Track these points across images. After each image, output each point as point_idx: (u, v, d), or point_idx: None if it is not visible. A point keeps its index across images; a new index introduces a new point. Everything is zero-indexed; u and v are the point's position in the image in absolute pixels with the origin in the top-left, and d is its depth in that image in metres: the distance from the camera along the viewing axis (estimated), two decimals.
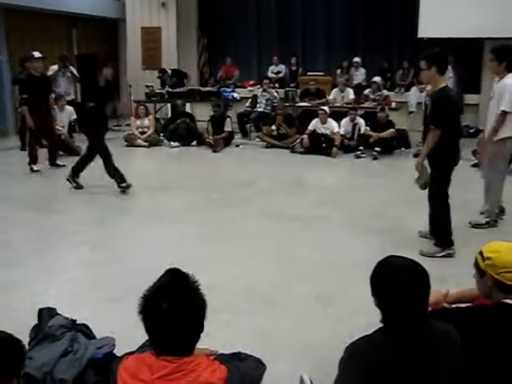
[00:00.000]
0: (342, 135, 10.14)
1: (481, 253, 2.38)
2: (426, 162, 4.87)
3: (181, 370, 1.89)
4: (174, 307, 1.87)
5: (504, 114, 5.32)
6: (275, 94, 11.99)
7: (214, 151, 10.35)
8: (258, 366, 2.36)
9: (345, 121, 10.38)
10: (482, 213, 5.65)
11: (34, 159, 8.44)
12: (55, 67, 10.88)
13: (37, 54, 8.49)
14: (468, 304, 2.66)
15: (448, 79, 8.89)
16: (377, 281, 2.12)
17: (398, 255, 2.18)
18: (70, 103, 10.37)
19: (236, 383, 2.00)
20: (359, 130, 10.17)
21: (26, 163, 8.41)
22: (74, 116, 10.16)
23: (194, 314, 1.93)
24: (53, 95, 8.80)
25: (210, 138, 10.64)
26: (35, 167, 8.40)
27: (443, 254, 4.84)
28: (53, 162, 8.75)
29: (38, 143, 8.64)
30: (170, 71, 13.29)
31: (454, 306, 2.71)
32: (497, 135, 5.38)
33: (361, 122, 10.31)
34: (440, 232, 4.94)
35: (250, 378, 2.16)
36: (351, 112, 10.40)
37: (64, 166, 8.78)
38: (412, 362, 1.96)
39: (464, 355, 2.05)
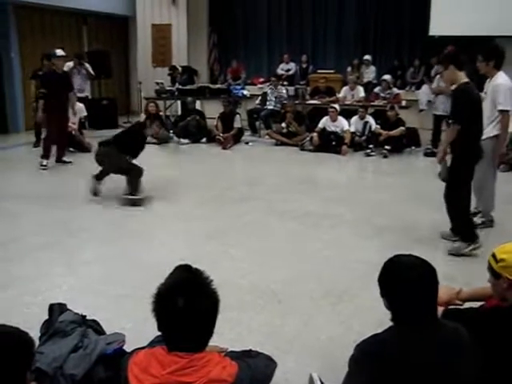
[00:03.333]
0: (352, 133, 10.12)
1: (493, 255, 2.36)
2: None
3: (192, 366, 1.89)
4: (188, 303, 1.88)
5: (504, 112, 5.32)
6: (283, 91, 11.96)
7: (224, 148, 10.37)
8: (269, 363, 2.36)
9: (355, 119, 10.36)
10: (474, 213, 5.60)
11: (47, 155, 8.51)
12: (70, 64, 10.91)
13: (59, 52, 8.61)
14: (482, 303, 2.64)
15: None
16: (384, 279, 2.11)
17: (405, 253, 2.17)
18: (82, 100, 10.40)
19: (246, 380, 2.01)
20: (370, 127, 10.14)
21: (35, 160, 8.47)
22: (85, 113, 10.20)
23: (207, 310, 1.94)
24: (72, 94, 8.87)
25: (221, 135, 10.66)
26: (44, 162, 8.46)
27: (471, 248, 4.80)
28: (59, 159, 8.79)
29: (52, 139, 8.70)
30: (180, 68, 13.31)
31: (467, 304, 2.70)
32: (491, 132, 5.37)
33: (371, 119, 10.28)
34: (463, 228, 4.90)
35: (260, 375, 2.17)
36: (360, 110, 10.37)
37: (70, 162, 8.84)
38: (422, 361, 1.95)
39: (474, 356, 2.04)
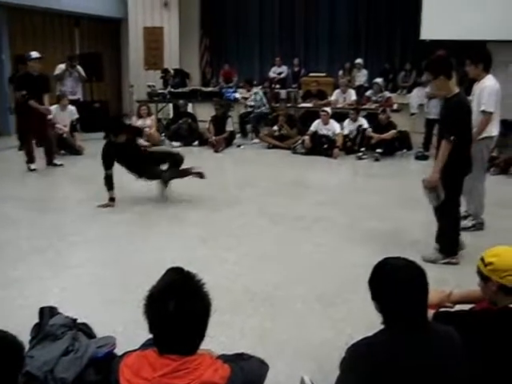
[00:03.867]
0: (345, 135, 10.15)
1: (482, 259, 2.38)
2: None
3: (183, 369, 1.89)
4: (180, 306, 1.87)
5: (486, 113, 5.33)
6: (259, 95, 11.92)
7: (216, 151, 10.37)
8: (261, 366, 2.35)
9: (347, 122, 10.40)
10: (464, 216, 5.60)
11: (30, 158, 8.43)
12: (62, 66, 10.88)
13: (34, 54, 8.43)
14: (472, 305, 2.65)
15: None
16: (374, 282, 2.12)
17: (395, 256, 2.18)
18: (73, 102, 10.35)
19: (239, 383, 2.00)
20: (364, 129, 10.17)
21: (24, 162, 8.43)
22: (76, 115, 10.15)
23: (199, 313, 1.93)
24: (47, 95, 8.63)
25: (213, 138, 10.65)
26: (32, 166, 8.39)
27: (445, 261, 4.71)
28: (50, 162, 8.71)
29: (33, 142, 8.57)
30: (172, 71, 13.31)
31: (457, 307, 2.71)
32: (479, 135, 5.39)
33: (363, 121, 10.31)
34: (446, 240, 4.78)
35: (252, 378, 2.16)
36: (351, 113, 10.41)
37: (62, 165, 8.78)
38: (412, 364, 1.95)
39: (466, 358, 2.05)
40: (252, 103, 11.74)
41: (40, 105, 8.43)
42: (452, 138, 4.39)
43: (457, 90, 4.59)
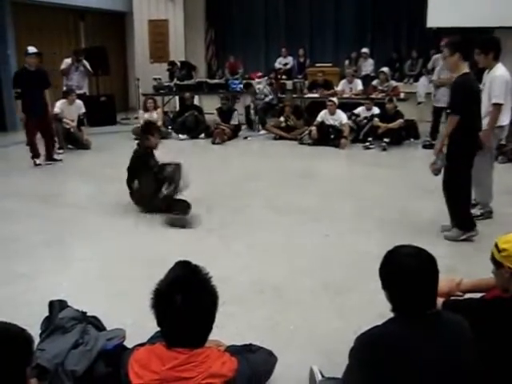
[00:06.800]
0: (356, 115, 10.28)
1: (496, 245, 2.36)
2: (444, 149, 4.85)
3: (191, 362, 1.89)
4: (187, 300, 1.88)
5: (497, 105, 5.32)
6: (265, 89, 11.91)
7: (214, 143, 10.33)
8: (269, 358, 2.36)
9: (362, 108, 10.45)
10: (473, 205, 5.60)
11: (35, 153, 8.45)
12: (68, 60, 10.86)
13: (31, 50, 8.40)
14: (482, 294, 2.64)
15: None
16: (384, 270, 2.11)
17: (405, 244, 2.17)
18: (80, 97, 10.36)
19: (246, 375, 2.01)
20: (372, 116, 10.18)
21: (30, 157, 8.47)
22: (83, 110, 10.15)
23: (206, 306, 1.94)
24: (48, 90, 8.54)
25: (222, 124, 10.62)
26: (38, 161, 8.43)
27: (465, 236, 4.89)
28: (49, 157, 8.70)
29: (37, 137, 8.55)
30: (179, 63, 13.29)
31: (467, 296, 2.70)
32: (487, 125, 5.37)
33: (377, 111, 10.27)
34: (461, 216, 4.95)
35: (260, 370, 2.17)
36: (367, 102, 10.43)
37: (61, 160, 8.79)
38: (422, 352, 1.95)
39: (475, 347, 2.04)
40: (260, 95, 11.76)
41: (42, 100, 8.38)
42: (454, 113, 4.61)
43: (466, 70, 4.72)
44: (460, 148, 4.69)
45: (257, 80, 12.39)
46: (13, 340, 1.66)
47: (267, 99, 11.67)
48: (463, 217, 4.94)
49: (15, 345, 1.65)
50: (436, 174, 4.88)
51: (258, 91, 11.86)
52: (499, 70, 5.41)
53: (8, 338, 1.65)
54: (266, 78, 12.37)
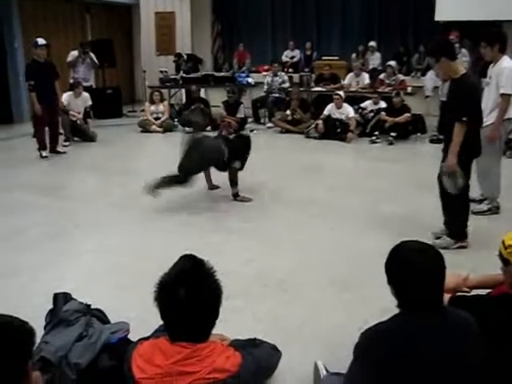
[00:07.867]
0: (363, 109, 10.23)
1: (503, 242, 2.34)
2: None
3: (195, 356, 1.89)
4: (190, 293, 1.87)
5: (506, 96, 5.26)
6: (285, 77, 11.91)
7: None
8: (273, 353, 2.35)
9: (369, 102, 10.41)
10: (480, 200, 5.53)
11: (42, 145, 8.48)
12: (75, 53, 10.85)
13: (40, 41, 8.46)
14: (489, 290, 2.62)
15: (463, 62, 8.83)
16: (391, 265, 2.10)
17: (411, 239, 2.15)
18: (86, 89, 10.35)
19: (250, 370, 2.00)
20: (378, 109, 10.14)
21: (36, 149, 8.48)
22: (90, 102, 10.15)
23: (210, 300, 1.93)
24: (57, 82, 8.66)
25: (227, 117, 10.61)
26: (44, 153, 8.44)
27: (457, 246, 4.66)
28: (53, 149, 8.72)
29: (45, 129, 8.61)
30: (185, 56, 13.26)
31: (473, 292, 2.67)
32: (495, 117, 5.30)
33: (384, 105, 10.23)
34: (455, 225, 4.71)
35: (264, 365, 2.16)
36: (374, 96, 10.39)
37: (65, 153, 8.80)
38: (427, 348, 1.93)
39: (482, 344, 2.02)
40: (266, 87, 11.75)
41: (53, 91, 8.49)
42: (464, 118, 4.28)
43: (463, 70, 4.52)
44: (460, 152, 4.37)
45: (264, 73, 12.35)
46: (15, 333, 1.65)
47: (284, 84, 11.63)
48: (458, 228, 4.71)
49: (17, 338, 1.64)
50: (459, 191, 4.50)
51: (267, 84, 11.80)
52: (505, 61, 5.36)
53: (10, 330, 1.64)
54: (276, 64, 12.16)
